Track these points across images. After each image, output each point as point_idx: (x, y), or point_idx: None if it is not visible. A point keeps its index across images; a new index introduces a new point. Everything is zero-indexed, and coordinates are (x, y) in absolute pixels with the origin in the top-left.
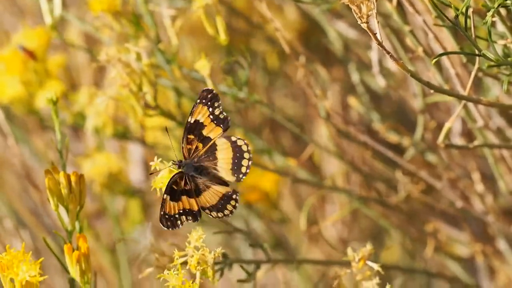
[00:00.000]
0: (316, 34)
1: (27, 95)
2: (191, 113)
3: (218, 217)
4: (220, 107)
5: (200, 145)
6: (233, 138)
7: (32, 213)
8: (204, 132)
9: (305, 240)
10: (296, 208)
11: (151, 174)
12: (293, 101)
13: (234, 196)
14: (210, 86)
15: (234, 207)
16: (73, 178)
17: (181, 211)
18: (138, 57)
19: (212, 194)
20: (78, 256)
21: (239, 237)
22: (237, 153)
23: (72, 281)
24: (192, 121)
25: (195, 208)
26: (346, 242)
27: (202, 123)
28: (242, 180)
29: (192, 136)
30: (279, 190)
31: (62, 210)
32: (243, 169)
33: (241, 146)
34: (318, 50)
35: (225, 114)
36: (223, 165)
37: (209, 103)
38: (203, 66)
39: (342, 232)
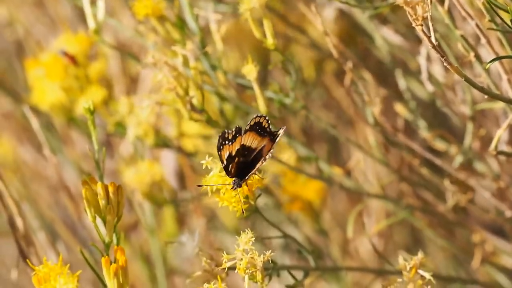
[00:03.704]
0: (355, 40)
1: (68, 101)
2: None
3: None
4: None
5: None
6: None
7: (66, 225)
8: (253, 147)
9: (345, 252)
10: (334, 220)
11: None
12: (329, 112)
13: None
14: (256, 91)
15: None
16: (111, 189)
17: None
18: (185, 61)
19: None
20: (116, 269)
21: (277, 249)
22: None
23: None
24: (237, 148)
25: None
26: (384, 255)
27: (250, 145)
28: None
29: (237, 159)
30: (322, 200)
31: (99, 221)
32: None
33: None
34: (360, 56)
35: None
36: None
37: (258, 127)
38: (250, 71)
39: (379, 244)
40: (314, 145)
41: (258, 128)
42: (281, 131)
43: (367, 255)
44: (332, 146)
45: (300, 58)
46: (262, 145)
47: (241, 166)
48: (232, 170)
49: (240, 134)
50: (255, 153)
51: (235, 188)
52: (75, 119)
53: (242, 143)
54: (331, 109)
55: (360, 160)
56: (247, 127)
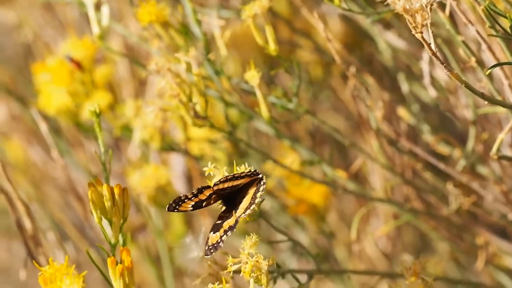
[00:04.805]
0: (360, 45)
1: (74, 106)
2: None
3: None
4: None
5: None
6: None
7: (75, 226)
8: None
9: (352, 253)
10: (341, 222)
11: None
12: (337, 114)
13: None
14: (259, 96)
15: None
16: (116, 191)
17: (222, 235)
18: (188, 67)
19: (247, 197)
20: (122, 269)
21: (284, 250)
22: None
23: None
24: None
25: (233, 222)
26: (391, 256)
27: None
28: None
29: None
30: (327, 203)
31: (105, 223)
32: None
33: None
34: (363, 61)
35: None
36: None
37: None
38: (252, 77)
39: (386, 246)
40: (321, 148)
41: (231, 178)
42: (261, 186)
43: (375, 256)
44: (339, 149)
45: (307, 61)
46: (249, 181)
47: (226, 195)
48: (211, 201)
49: (207, 188)
50: (243, 185)
51: None
52: (82, 123)
53: (217, 188)
54: (340, 111)
55: (364, 163)
56: (217, 182)
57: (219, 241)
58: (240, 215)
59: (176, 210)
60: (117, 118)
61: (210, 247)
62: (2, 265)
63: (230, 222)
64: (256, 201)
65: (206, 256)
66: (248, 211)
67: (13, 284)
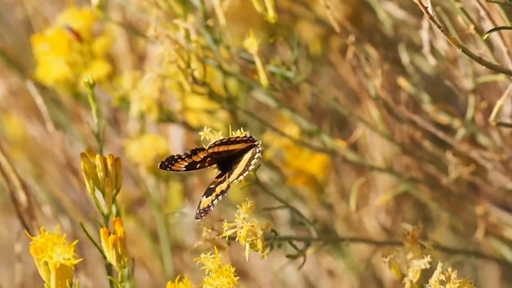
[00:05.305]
0: (362, 15)
1: (72, 76)
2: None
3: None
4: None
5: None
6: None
7: (73, 201)
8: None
9: (351, 226)
10: (341, 196)
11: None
12: (336, 89)
13: (258, 150)
14: (258, 64)
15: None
16: (109, 161)
17: (213, 199)
18: (187, 34)
19: (241, 163)
20: (114, 240)
21: (283, 224)
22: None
23: (109, 267)
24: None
25: (225, 187)
26: (391, 230)
27: (226, 149)
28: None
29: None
30: (326, 174)
31: (99, 194)
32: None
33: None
34: (365, 31)
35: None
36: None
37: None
38: (251, 44)
39: (386, 221)
40: (320, 121)
41: (227, 141)
42: (257, 152)
43: (374, 230)
44: (338, 123)
45: (307, 35)
46: (245, 147)
47: (221, 159)
48: (206, 164)
49: (201, 150)
50: (238, 150)
51: None
52: (80, 94)
53: (211, 151)
54: (339, 86)
55: (364, 133)
56: (212, 145)
57: (210, 205)
58: (233, 181)
59: (168, 169)
60: (115, 90)
61: (201, 210)
62: (2, 241)
63: (222, 186)
64: (250, 167)
65: (196, 220)
66: (241, 177)
67: (11, 260)
